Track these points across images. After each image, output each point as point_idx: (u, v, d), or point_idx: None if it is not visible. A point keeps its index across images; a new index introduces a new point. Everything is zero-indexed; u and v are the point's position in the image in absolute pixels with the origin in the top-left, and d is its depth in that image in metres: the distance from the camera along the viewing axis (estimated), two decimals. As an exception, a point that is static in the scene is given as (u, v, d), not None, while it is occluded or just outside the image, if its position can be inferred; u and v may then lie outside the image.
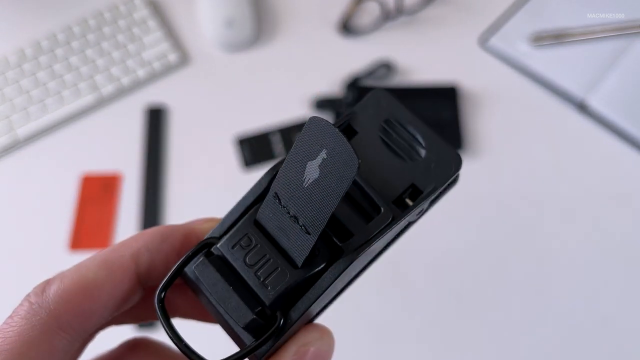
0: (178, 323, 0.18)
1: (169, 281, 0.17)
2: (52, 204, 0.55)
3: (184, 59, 0.62)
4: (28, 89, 0.59)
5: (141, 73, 0.61)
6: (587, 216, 0.54)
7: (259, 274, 0.17)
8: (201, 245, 0.18)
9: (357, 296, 0.50)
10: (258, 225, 0.18)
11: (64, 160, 0.58)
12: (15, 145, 0.58)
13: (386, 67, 0.60)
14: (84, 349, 0.18)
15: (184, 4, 0.66)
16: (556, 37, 0.61)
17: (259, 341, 0.16)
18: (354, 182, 0.18)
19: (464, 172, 0.20)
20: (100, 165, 0.57)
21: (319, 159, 0.16)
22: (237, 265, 0.17)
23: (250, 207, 0.19)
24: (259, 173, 0.56)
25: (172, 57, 0.61)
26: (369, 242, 0.17)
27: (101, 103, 0.60)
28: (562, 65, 0.60)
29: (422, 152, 0.19)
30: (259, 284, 0.17)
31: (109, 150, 0.58)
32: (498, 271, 0.52)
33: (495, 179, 0.56)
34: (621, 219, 0.54)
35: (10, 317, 0.16)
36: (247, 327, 0.17)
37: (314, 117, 0.16)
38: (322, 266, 0.17)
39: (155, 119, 0.59)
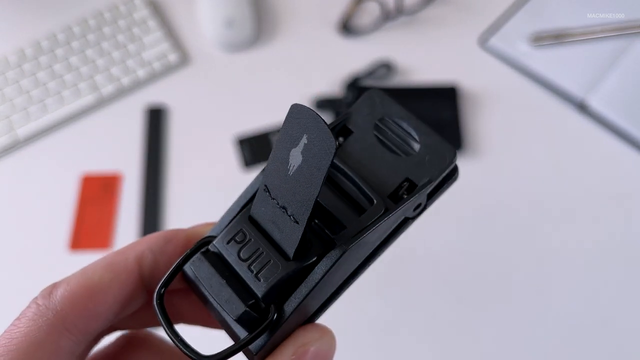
0: (182, 329, 0.18)
1: (168, 278, 0.18)
2: (52, 204, 0.55)
3: (184, 59, 0.62)
4: (28, 89, 0.59)
5: (141, 73, 0.61)
6: (587, 216, 0.54)
7: (252, 267, 0.17)
8: (200, 244, 0.18)
9: (358, 296, 0.50)
10: (252, 220, 0.18)
11: (64, 161, 0.58)
12: (16, 146, 0.58)
13: (386, 67, 0.60)
14: (90, 352, 0.18)
15: (184, 4, 0.66)
16: (556, 37, 0.61)
17: (253, 334, 0.16)
18: (349, 178, 0.18)
19: (464, 171, 0.20)
20: (101, 166, 0.57)
21: (301, 145, 0.16)
22: (232, 260, 0.18)
23: (247, 205, 0.19)
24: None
25: (172, 57, 0.61)
26: (360, 233, 0.17)
27: (101, 103, 0.60)
28: (562, 65, 0.60)
29: (417, 147, 0.19)
30: (252, 277, 0.17)
31: (109, 150, 0.58)
32: (498, 271, 0.52)
33: (495, 179, 0.56)
34: (621, 218, 0.54)
35: (18, 318, 0.16)
36: (241, 320, 0.17)
37: (294, 104, 0.16)
38: (314, 258, 0.17)
39: (155, 119, 0.59)
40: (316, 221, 0.18)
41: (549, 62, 0.60)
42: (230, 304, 0.17)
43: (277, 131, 0.58)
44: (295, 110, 0.16)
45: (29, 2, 0.66)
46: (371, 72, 0.60)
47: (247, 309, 0.17)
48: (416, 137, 0.19)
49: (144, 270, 0.18)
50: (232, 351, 0.16)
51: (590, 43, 0.61)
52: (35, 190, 0.56)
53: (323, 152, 0.15)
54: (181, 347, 0.17)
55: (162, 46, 0.62)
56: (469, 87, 0.60)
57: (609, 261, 0.52)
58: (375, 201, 0.18)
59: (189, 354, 0.16)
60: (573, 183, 0.55)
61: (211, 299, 0.18)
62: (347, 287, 0.20)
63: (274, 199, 0.17)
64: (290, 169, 0.16)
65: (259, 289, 0.17)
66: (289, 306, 0.17)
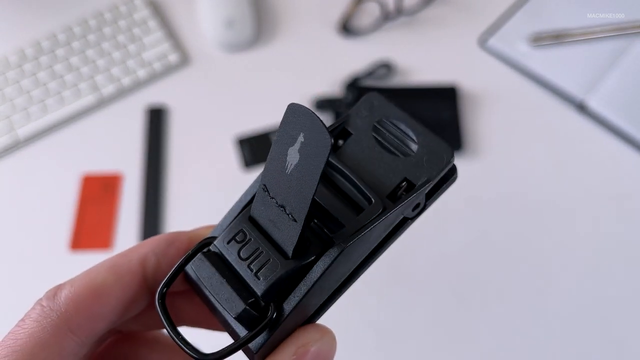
0: (184, 330, 0.18)
1: (170, 278, 0.18)
2: (52, 204, 0.55)
3: (184, 59, 0.62)
4: (28, 89, 0.60)
5: (141, 73, 0.61)
6: (587, 216, 0.54)
7: (251, 266, 0.17)
8: (201, 245, 0.19)
9: (358, 296, 0.50)
10: (252, 219, 0.18)
11: (64, 161, 0.58)
12: (16, 146, 0.58)
13: (386, 68, 0.60)
14: (93, 355, 0.18)
15: (184, 5, 0.66)
16: (555, 37, 0.61)
17: (253, 332, 0.17)
18: (348, 179, 0.19)
19: (464, 171, 0.20)
20: (101, 166, 0.57)
21: (297, 144, 0.16)
22: (232, 259, 0.18)
23: (248, 205, 0.19)
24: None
25: (173, 57, 0.61)
26: (359, 232, 0.17)
27: (102, 103, 0.60)
28: (562, 65, 0.60)
29: (415, 148, 0.19)
30: (252, 276, 0.17)
31: (109, 150, 0.58)
32: (498, 271, 0.52)
33: (495, 179, 0.56)
34: (620, 218, 0.54)
35: (22, 319, 0.16)
36: (240, 319, 0.17)
37: (292, 104, 0.16)
38: (313, 257, 0.17)
39: (156, 119, 0.59)
40: (315, 221, 0.18)
41: (549, 62, 0.60)
42: (230, 303, 0.17)
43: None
44: (292, 109, 0.16)
45: (30, 2, 0.66)
46: (371, 73, 0.60)
47: (247, 307, 0.17)
48: (414, 138, 0.19)
49: (147, 273, 0.18)
50: (232, 349, 0.17)
51: (589, 43, 0.61)
52: (35, 190, 0.56)
53: (319, 150, 0.15)
54: (183, 346, 0.17)
55: (163, 46, 0.62)
56: (468, 88, 0.60)
57: (608, 261, 0.52)
58: (373, 200, 0.18)
59: (190, 352, 0.17)
60: (572, 183, 0.55)
61: (212, 299, 0.18)
62: (347, 287, 0.20)
63: (272, 198, 0.17)
64: (288, 167, 0.16)
65: (258, 287, 0.17)
66: (289, 304, 0.17)
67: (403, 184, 0.19)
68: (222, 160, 0.57)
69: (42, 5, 0.66)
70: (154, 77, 0.61)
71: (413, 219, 0.20)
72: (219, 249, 0.18)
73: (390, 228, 0.20)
